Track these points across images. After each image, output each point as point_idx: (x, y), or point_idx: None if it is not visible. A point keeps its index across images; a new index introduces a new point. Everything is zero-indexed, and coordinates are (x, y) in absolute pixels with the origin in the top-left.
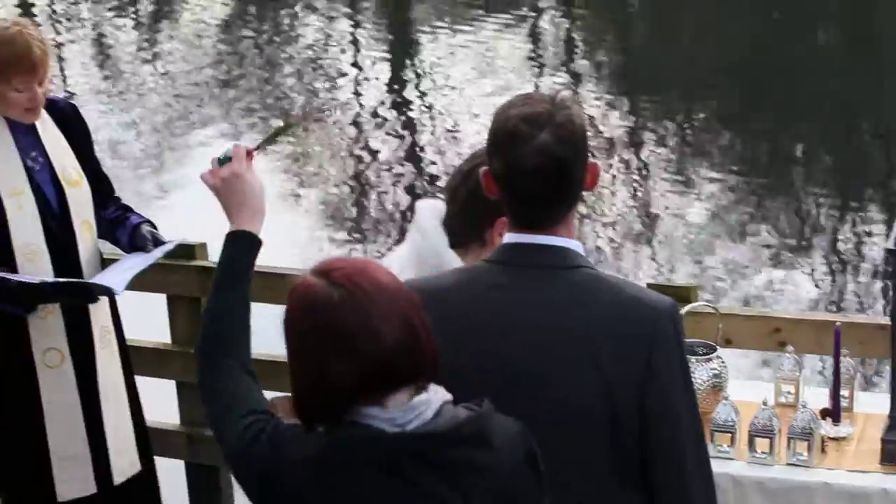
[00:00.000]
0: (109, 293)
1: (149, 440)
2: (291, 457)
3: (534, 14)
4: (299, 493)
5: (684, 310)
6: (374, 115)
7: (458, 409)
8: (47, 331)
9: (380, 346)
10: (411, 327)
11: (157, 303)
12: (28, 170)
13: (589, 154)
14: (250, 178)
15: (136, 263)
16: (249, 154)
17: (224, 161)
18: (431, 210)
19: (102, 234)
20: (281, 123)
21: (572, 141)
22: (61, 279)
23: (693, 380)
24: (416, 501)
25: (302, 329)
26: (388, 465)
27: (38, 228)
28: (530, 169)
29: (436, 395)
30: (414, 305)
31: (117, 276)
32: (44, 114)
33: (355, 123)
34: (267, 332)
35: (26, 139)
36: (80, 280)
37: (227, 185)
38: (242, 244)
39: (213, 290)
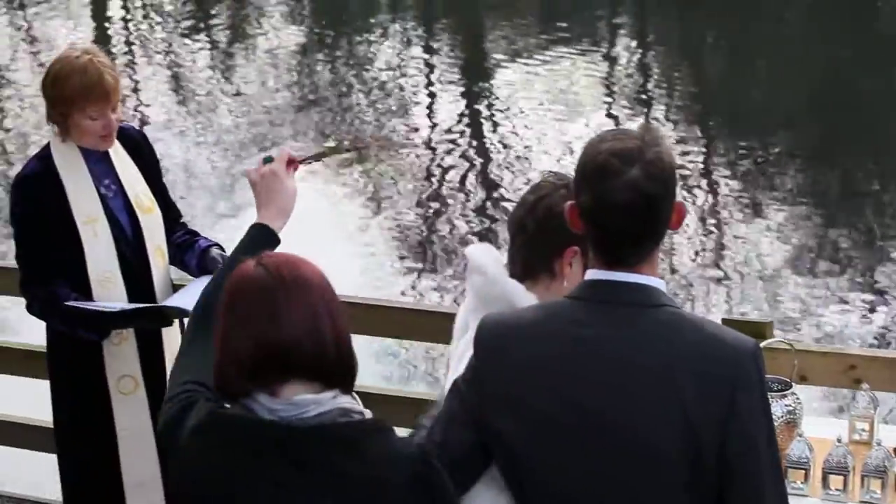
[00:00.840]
0: (185, 314)
1: None
2: (186, 426)
3: (609, 46)
4: (186, 458)
5: (760, 346)
6: (447, 141)
7: (351, 417)
8: (121, 358)
9: (276, 333)
10: (316, 325)
11: None
12: (102, 197)
13: (677, 193)
14: (286, 180)
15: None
16: (293, 162)
17: (268, 161)
18: (487, 252)
19: (170, 258)
20: (333, 144)
21: (662, 178)
22: (135, 305)
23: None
24: (269, 488)
25: (225, 302)
26: (250, 448)
27: (113, 255)
28: (620, 204)
29: (333, 399)
30: (330, 309)
31: (189, 299)
32: (115, 141)
33: (427, 150)
34: None
35: (99, 166)
36: (154, 304)
37: (264, 180)
38: (261, 237)
39: (219, 271)
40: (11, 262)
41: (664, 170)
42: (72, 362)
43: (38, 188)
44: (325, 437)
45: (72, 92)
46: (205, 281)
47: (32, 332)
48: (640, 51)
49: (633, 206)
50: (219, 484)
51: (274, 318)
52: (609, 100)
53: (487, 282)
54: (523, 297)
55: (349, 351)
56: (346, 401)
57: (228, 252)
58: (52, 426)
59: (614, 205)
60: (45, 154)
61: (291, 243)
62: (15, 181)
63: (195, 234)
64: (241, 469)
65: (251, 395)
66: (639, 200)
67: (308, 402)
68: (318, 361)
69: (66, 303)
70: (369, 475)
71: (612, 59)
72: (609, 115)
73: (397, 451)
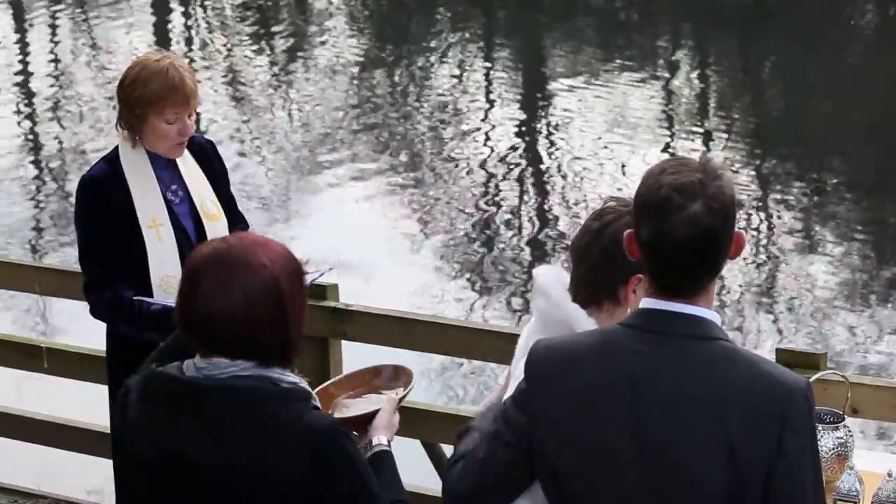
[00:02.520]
0: None
1: None
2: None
3: (669, 73)
4: (127, 413)
5: (813, 378)
6: (504, 163)
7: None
8: None
9: (206, 310)
10: (250, 307)
11: None
12: (168, 202)
13: (736, 223)
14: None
15: None
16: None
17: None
18: (554, 275)
19: None
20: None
21: (723, 213)
22: None
23: (819, 448)
24: (176, 438)
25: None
26: (167, 402)
27: (176, 260)
28: (680, 239)
29: (255, 367)
30: (267, 290)
31: None
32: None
33: (483, 172)
34: None
35: (166, 173)
36: None
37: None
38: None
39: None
40: (67, 266)
41: (725, 204)
42: (131, 367)
43: (104, 190)
44: (231, 396)
45: (152, 93)
46: None
47: (88, 336)
48: (699, 79)
49: (694, 241)
50: (145, 434)
51: (195, 294)
52: (667, 127)
53: (550, 305)
54: (584, 323)
55: (284, 332)
56: (276, 371)
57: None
58: (105, 430)
59: (674, 240)
60: (112, 156)
61: (349, 261)
62: (81, 182)
63: None
64: (160, 420)
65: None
66: (700, 236)
67: (227, 364)
68: (236, 337)
69: (136, 298)
70: (265, 439)
71: (671, 87)
72: (666, 144)
73: (303, 422)
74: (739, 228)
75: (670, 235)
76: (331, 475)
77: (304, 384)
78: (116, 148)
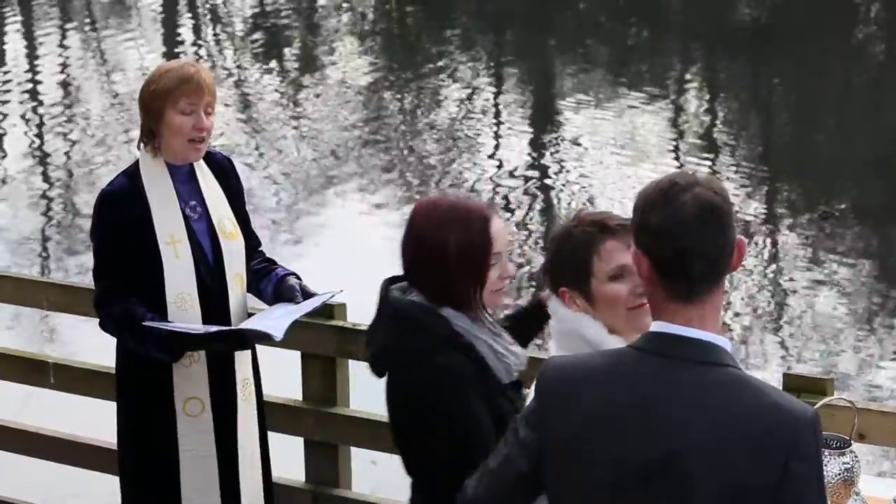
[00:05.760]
0: (268, 338)
1: (273, 496)
2: None
3: (678, 95)
4: None
5: (820, 403)
6: (512, 184)
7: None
8: (191, 380)
9: (408, 240)
10: (419, 244)
11: (290, 358)
12: (186, 218)
13: (736, 228)
14: None
15: (287, 312)
16: None
17: None
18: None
19: (246, 285)
20: None
21: (723, 194)
22: (218, 328)
23: (825, 473)
24: (372, 334)
25: None
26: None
27: (192, 277)
28: (690, 214)
29: (412, 294)
30: (438, 241)
31: (270, 322)
32: (203, 165)
33: (492, 194)
34: None
35: (185, 187)
36: (238, 328)
37: None
38: None
39: None
40: (74, 281)
41: (723, 189)
42: (141, 383)
43: (123, 204)
44: (396, 313)
45: (166, 85)
46: (281, 308)
47: (95, 352)
48: (708, 102)
49: (703, 214)
50: None
51: (410, 227)
52: (675, 149)
53: (558, 319)
54: (592, 329)
55: (469, 281)
56: (451, 312)
57: (304, 282)
58: (112, 447)
59: (685, 217)
60: (132, 171)
61: (356, 281)
62: (100, 196)
63: (273, 262)
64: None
65: None
66: (707, 209)
67: (409, 290)
68: (415, 271)
69: (144, 322)
70: (401, 349)
71: (680, 109)
72: (675, 168)
73: (424, 348)
74: (741, 236)
75: (681, 212)
76: (421, 398)
77: (476, 332)
78: (136, 162)
